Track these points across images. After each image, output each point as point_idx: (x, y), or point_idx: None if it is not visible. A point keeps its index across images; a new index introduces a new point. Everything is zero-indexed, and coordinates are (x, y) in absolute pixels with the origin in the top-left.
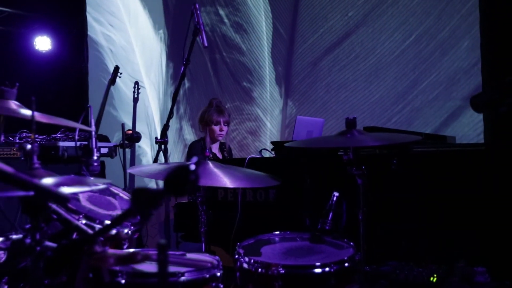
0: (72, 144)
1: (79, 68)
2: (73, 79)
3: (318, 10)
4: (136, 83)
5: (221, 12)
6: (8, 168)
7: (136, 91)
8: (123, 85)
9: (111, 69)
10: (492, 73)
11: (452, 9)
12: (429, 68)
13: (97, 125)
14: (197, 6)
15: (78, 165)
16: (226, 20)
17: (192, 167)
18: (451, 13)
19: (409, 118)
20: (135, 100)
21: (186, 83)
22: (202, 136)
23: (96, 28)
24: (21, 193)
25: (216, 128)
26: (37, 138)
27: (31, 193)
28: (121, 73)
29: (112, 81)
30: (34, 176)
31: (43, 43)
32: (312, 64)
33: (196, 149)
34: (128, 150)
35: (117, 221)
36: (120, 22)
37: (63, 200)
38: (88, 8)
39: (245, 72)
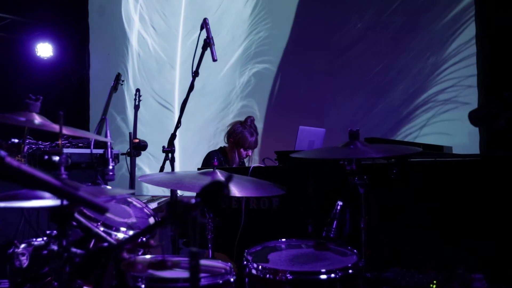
0: (75, 150)
1: (80, 75)
2: (74, 86)
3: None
4: (137, 90)
5: None
6: (57, 182)
7: (137, 98)
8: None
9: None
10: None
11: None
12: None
13: (99, 133)
14: (207, 21)
15: (81, 171)
16: None
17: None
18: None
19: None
20: (136, 108)
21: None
22: (221, 146)
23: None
24: (50, 204)
25: (244, 152)
26: (41, 144)
27: (62, 203)
28: (123, 81)
29: (114, 88)
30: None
31: (44, 49)
32: (317, 66)
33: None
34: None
35: (149, 229)
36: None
37: (103, 211)
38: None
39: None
